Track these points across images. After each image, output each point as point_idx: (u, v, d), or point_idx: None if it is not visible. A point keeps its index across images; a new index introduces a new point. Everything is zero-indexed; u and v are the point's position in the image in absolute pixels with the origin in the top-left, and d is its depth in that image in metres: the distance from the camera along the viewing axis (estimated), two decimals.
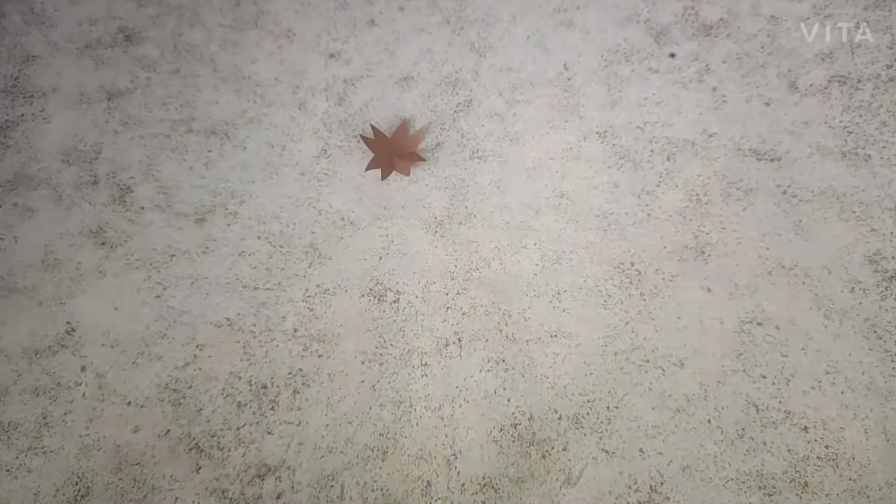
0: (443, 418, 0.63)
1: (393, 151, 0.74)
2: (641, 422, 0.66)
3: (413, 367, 0.65)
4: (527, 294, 0.68)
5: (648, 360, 0.68)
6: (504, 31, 0.80)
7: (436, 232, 0.71)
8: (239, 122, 0.77)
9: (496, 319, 0.67)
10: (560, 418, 0.64)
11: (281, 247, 0.71)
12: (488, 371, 0.65)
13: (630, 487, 0.62)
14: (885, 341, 0.67)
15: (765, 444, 0.66)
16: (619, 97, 0.77)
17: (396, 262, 0.70)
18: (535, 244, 0.71)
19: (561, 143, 0.75)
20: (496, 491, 0.60)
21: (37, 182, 0.74)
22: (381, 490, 0.60)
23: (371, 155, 0.74)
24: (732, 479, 0.64)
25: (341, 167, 0.70)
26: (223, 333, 0.67)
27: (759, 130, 0.75)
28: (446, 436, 0.62)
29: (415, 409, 0.64)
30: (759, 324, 0.68)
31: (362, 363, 0.66)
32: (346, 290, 0.69)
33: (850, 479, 0.64)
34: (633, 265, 0.69)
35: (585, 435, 0.65)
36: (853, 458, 0.65)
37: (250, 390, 0.65)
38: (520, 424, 0.63)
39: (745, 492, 0.64)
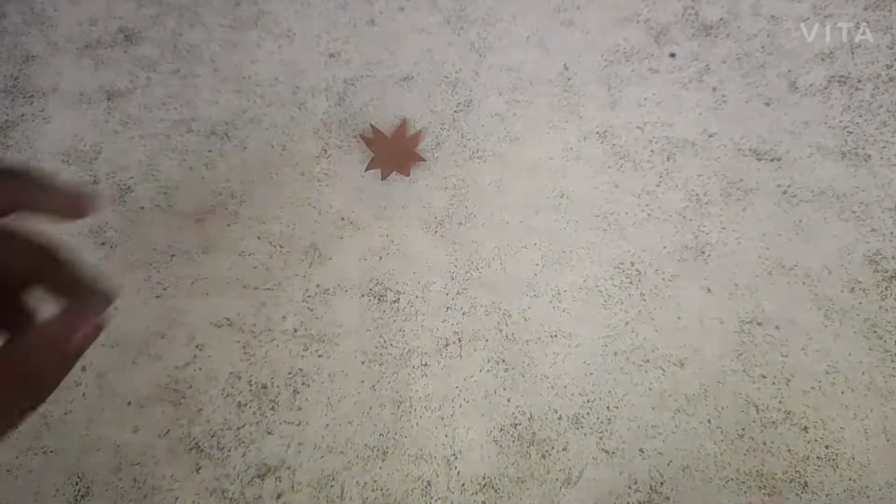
0: (443, 418, 0.63)
1: (393, 151, 0.74)
2: (641, 422, 0.66)
3: (413, 367, 0.65)
4: (527, 294, 0.68)
5: (648, 360, 0.68)
6: (504, 31, 0.80)
7: (436, 232, 0.71)
8: (239, 122, 0.77)
9: (496, 319, 0.67)
10: (560, 418, 0.64)
11: (281, 247, 0.71)
12: (488, 371, 0.65)
13: (630, 487, 0.62)
14: (885, 341, 0.67)
15: (765, 444, 0.66)
16: (619, 97, 0.77)
17: (396, 262, 0.70)
18: (535, 244, 0.71)
19: (561, 143, 0.75)
20: (496, 491, 0.60)
21: None
22: (381, 490, 0.60)
23: (371, 155, 0.74)
24: (732, 479, 0.64)
25: (341, 167, 0.70)
26: (223, 333, 0.67)
27: (759, 130, 0.75)
28: (446, 436, 0.62)
29: (415, 409, 0.64)
30: (759, 324, 0.68)
31: (362, 363, 0.66)
32: (346, 290, 0.69)
33: (850, 479, 0.64)
34: (633, 265, 0.69)
35: (585, 435, 0.65)
36: (853, 458, 0.65)
37: (250, 390, 0.65)
38: (520, 424, 0.63)
39: (745, 492, 0.64)
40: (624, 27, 0.80)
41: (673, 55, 0.79)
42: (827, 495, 0.64)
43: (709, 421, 0.66)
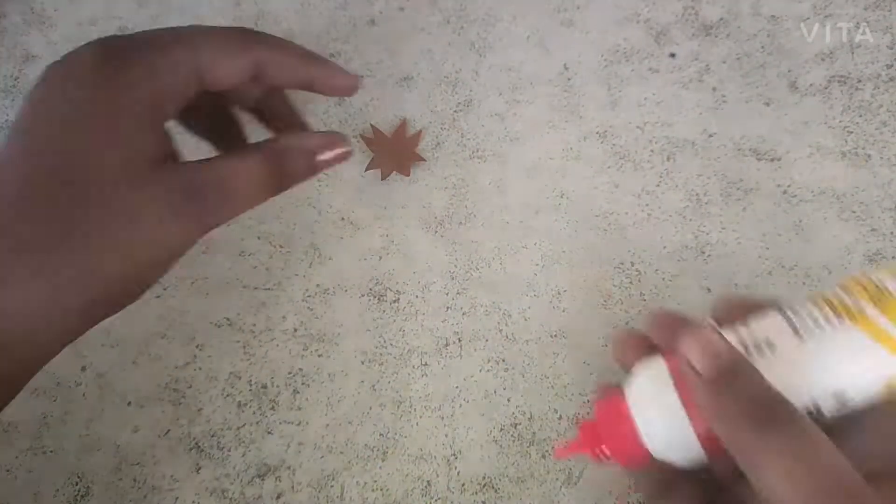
0: (443, 418, 0.63)
1: (393, 151, 0.74)
2: None
3: (413, 367, 0.65)
4: (527, 294, 0.68)
5: None
6: (504, 31, 0.80)
7: (436, 232, 0.71)
8: None
9: (496, 319, 0.67)
10: (560, 418, 0.64)
11: (281, 247, 0.71)
12: (488, 371, 0.65)
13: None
14: None
15: None
16: (619, 97, 0.77)
17: (396, 262, 0.70)
18: (535, 244, 0.71)
19: (561, 143, 0.75)
20: (496, 491, 0.60)
21: None
22: (382, 490, 0.60)
23: (371, 155, 0.74)
24: None
25: (341, 167, 0.70)
26: (223, 333, 0.67)
27: (759, 130, 0.75)
28: (446, 436, 0.62)
29: (415, 409, 0.64)
30: None
31: (362, 363, 0.66)
32: (346, 290, 0.69)
33: None
34: (633, 265, 0.69)
35: None
36: None
37: (250, 390, 0.65)
38: (520, 424, 0.63)
39: None
40: (624, 27, 0.80)
41: (673, 55, 0.79)
42: None
43: None
